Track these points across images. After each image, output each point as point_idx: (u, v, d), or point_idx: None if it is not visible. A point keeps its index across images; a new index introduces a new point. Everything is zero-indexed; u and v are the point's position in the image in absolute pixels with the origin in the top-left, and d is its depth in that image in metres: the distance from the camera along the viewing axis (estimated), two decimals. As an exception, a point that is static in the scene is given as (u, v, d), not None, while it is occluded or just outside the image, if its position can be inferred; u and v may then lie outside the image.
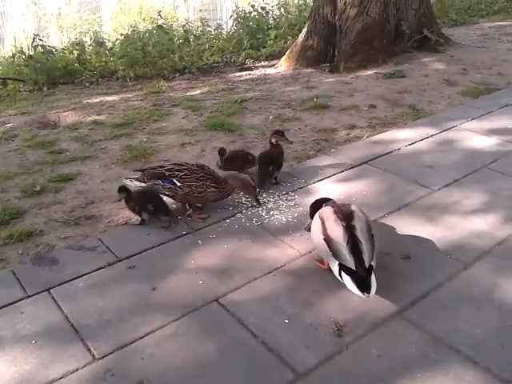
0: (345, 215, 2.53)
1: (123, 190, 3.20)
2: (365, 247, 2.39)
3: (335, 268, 2.40)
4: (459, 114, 4.89)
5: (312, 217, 2.75)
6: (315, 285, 2.57)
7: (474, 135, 4.38)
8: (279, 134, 3.72)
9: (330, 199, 2.86)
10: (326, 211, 2.62)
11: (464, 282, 2.57)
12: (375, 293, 2.30)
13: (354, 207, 2.64)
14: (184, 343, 2.23)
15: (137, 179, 3.29)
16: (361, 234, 2.44)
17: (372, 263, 2.37)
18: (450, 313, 2.36)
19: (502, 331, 2.24)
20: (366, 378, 2.03)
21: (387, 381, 2.02)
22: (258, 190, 3.31)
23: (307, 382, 2.03)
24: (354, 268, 2.32)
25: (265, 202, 3.38)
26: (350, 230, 2.44)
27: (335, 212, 2.57)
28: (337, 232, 2.45)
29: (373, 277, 2.33)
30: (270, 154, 3.69)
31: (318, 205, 2.80)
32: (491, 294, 2.47)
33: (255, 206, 3.31)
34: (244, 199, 3.43)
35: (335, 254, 2.40)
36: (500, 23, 9.62)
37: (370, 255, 2.38)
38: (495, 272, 2.63)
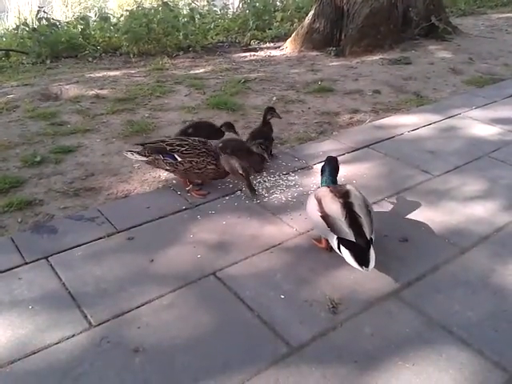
0: (341, 193, 2.54)
1: None
2: (364, 220, 2.40)
3: (334, 242, 2.41)
4: (463, 102, 4.87)
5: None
6: (312, 263, 2.58)
7: (477, 123, 4.36)
8: (271, 110, 3.79)
9: None
10: (322, 190, 2.63)
11: (460, 266, 2.58)
12: (373, 268, 2.31)
13: (349, 187, 2.64)
14: (180, 314, 2.25)
15: (138, 153, 3.28)
16: (359, 209, 2.45)
17: (372, 236, 2.38)
18: (445, 295, 2.37)
19: (496, 315, 2.25)
20: (358, 355, 2.05)
21: (379, 358, 2.03)
22: (251, 176, 3.22)
23: (300, 356, 2.04)
24: (353, 240, 2.32)
25: (261, 194, 3.22)
26: (347, 205, 2.45)
27: (331, 191, 2.57)
28: (334, 208, 2.46)
29: (372, 250, 2.34)
30: (262, 131, 3.72)
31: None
32: (487, 279, 2.48)
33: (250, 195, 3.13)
34: (244, 177, 3.41)
35: (333, 228, 2.40)
36: (509, 15, 9.56)
37: (370, 228, 2.39)
38: (492, 258, 2.63)
